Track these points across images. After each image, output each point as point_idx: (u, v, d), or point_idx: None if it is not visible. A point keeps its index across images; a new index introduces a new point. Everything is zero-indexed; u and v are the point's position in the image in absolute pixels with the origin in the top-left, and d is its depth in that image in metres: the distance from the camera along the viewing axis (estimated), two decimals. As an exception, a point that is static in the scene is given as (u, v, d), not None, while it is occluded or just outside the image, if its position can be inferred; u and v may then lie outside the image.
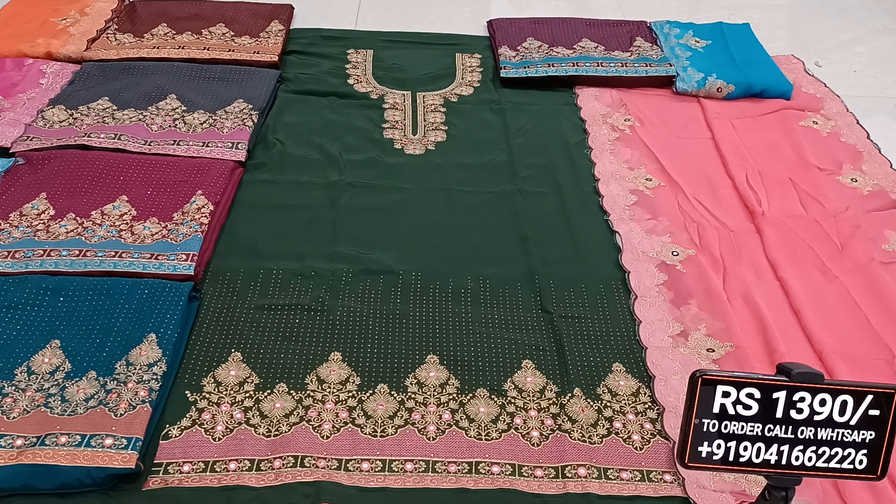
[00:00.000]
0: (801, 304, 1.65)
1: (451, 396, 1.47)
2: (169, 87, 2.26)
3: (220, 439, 1.36)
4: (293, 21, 2.74)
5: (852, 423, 1.01)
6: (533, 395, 1.47)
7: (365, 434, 1.39)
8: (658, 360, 1.54)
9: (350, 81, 2.42)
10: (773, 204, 1.96)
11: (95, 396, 1.38)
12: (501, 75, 2.44)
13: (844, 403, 1.00)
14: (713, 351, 1.56)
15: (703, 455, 1.01)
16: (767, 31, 2.78)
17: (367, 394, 1.46)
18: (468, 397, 1.47)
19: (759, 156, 2.14)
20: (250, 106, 2.21)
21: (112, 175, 1.90)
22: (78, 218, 1.78)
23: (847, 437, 1.01)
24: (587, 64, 2.46)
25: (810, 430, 1.01)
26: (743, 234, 1.87)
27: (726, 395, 0.99)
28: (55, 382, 1.41)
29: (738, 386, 0.99)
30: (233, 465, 1.32)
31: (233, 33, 2.58)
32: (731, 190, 2.02)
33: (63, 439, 1.30)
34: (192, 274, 1.65)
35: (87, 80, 2.29)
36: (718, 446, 1.01)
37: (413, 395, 1.47)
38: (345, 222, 1.87)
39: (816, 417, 1.01)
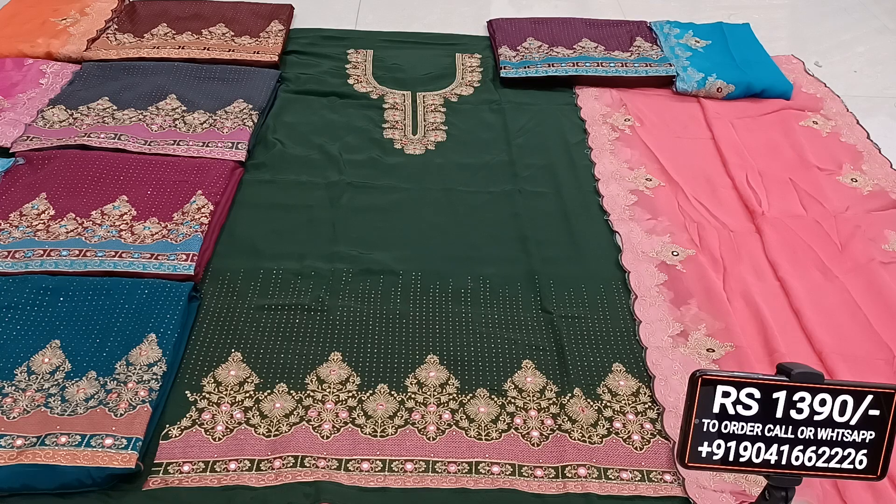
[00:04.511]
0: (801, 304, 1.65)
1: (451, 396, 1.47)
2: (169, 87, 2.26)
3: (220, 439, 1.36)
4: (293, 21, 2.74)
5: (852, 423, 1.01)
6: (533, 395, 1.47)
7: (365, 434, 1.39)
8: (658, 360, 1.54)
9: (350, 81, 2.42)
10: (773, 204, 1.96)
11: (95, 396, 1.38)
12: (501, 75, 2.44)
13: (844, 403, 1.00)
14: (713, 351, 1.56)
15: (703, 455, 1.01)
16: (767, 31, 2.78)
17: (367, 394, 1.46)
18: (468, 397, 1.47)
19: (759, 156, 2.14)
20: (250, 106, 2.21)
21: (112, 175, 1.90)
22: (78, 218, 1.78)
23: (847, 437, 1.01)
24: (587, 64, 2.46)
25: (810, 430, 1.01)
26: (743, 234, 1.87)
27: (726, 395, 1.00)
28: (55, 382, 1.41)
29: (738, 386, 0.99)
30: (233, 465, 1.32)
31: (233, 33, 2.58)
32: (731, 190, 2.02)
33: (63, 439, 1.30)
34: (192, 274, 1.65)
35: (87, 80, 2.29)
36: (718, 446, 1.01)
37: (413, 395, 1.47)
38: (345, 222, 1.87)
39: (816, 417, 1.01)
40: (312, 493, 1.27)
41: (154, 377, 1.42)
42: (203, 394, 1.45)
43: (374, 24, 2.81)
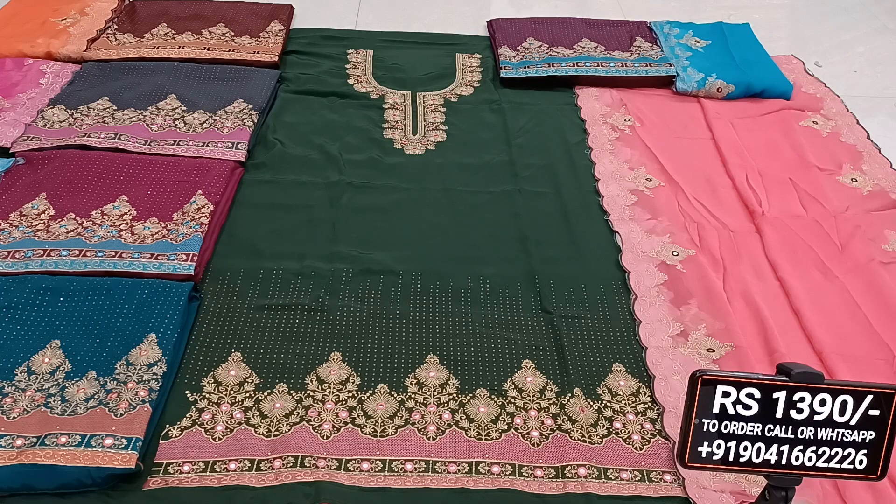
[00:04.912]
0: (801, 304, 1.65)
1: (451, 396, 1.47)
2: (169, 87, 2.26)
3: (220, 439, 1.36)
4: (293, 21, 2.74)
5: (852, 423, 1.01)
6: (533, 395, 1.47)
7: (365, 434, 1.39)
8: (658, 360, 1.54)
9: (350, 81, 2.42)
10: (773, 204, 1.96)
11: (95, 396, 1.38)
12: (501, 75, 2.44)
13: (844, 403, 1.00)
14: (713, 351, 1.56)
15: (703, 455, 1.01)
16: (767, 31, 2.78)
17: (367, 394, 1.46)
18: (468, 397, 1.47)
19: (759, 156, 2.14)
20: (250, 106, 2.21)
21: (112, 175, 1.90)
22: (78, 218, 1.78)
23: (847, 437, 1.01)
24: (587, 64, 2.46)
25: (810, 430, 1.01)
26: (743, 234, 1.87)
27: (726, 395, 1.00)
28: (55, 382, 1.41)
29: (738, 386, 0.99)
30: (233, 465, 1.32)
31: (233, 33, 2.58)
32: (731, 190, 2.02)
33: (63, 439, 1.30)
34: (192, 274, 1.65)
35: (87, 80, 2.29)
36: (718, 446, 1.01)
37: (413, 395, 1.47)
38: (345, 222, 1.87)
39: (816, 417, 1.01)
40: (312, 493, 1.27)
41: (154, 377, 1.42)
42: (203, 394, 1.45)
43: (374, 24, 2.81)
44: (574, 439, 1.39)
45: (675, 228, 1.87)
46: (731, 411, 1.00)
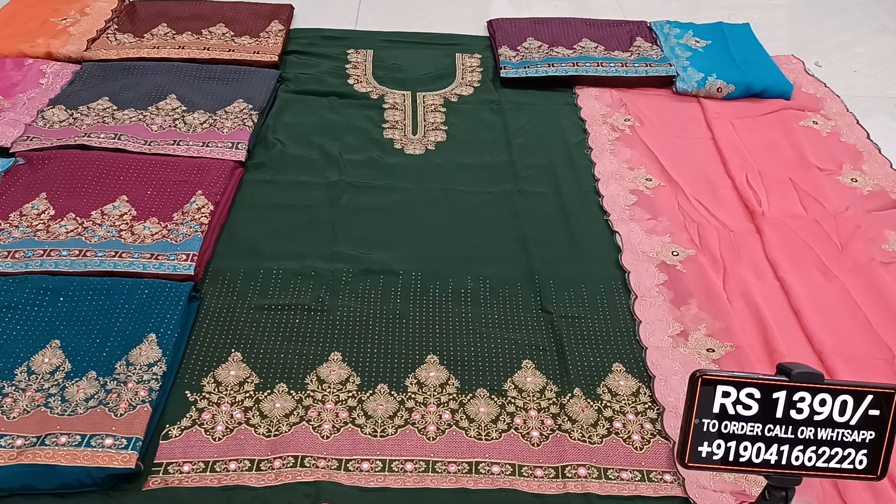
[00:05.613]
0: (801, 304, 1.65)
1: (451, 396, 1.47)
2: (169, 87, 2.26)
3: (220, 439, 1.36)
4: (293, 21, 2.74)
5: (852, 423, 1.01)
6: (533, 395, 1.47)
7: (365, 434, 1.39)
8: (658, 360, 1.54)
9: (350, 81, 2.42)
10: (773, 204, 1.96)
11: (95, 396, 1.38)
12: (501, 75, 2.44)
13: (844, 403, 1.00)
14: (713, 351, 1.56)
15: (703, 455, 1.01)
16: (767, 31, 2.78)
17: (367, 394, 1.46)
18: (468, 397, 1.47)
19: (759, 156, 2.14)
20: (250, 106, 2.21)
21: (112, 175, 1.90)
22: (78, 218, 1.78)
23: (847, 437, 1.01)
24: (587, 64, 2.46)
25: (810, 430, 1.01)
26: (743, 234, 1.87)
27: (726, 395, 1.00)
28: (55, 382, 1.41)
29: (738, 386, 0.99)
30: (233, 465, 1.32)
31: (233, 33, 2.58)
32: (731, 190, 2.02)
33: (63, 439, 1.30)
34: (192, 274, 1.65)
35: (87, 80, 2.29)
36: (718, 446, 1.01)
37: (413, 395, 1.47)
38: (345, 222, 1.87)
39: (816, 417, 1.01)
40: (312, 493, 1.27)
41: (154, 377, 1.42)
42: (203, 394, 1.45)
43: (374, 24, 2.81)
44: (574, 439, 1.39)
45: (675, 228, 1.87)
46: (731, 411, 1.00)
